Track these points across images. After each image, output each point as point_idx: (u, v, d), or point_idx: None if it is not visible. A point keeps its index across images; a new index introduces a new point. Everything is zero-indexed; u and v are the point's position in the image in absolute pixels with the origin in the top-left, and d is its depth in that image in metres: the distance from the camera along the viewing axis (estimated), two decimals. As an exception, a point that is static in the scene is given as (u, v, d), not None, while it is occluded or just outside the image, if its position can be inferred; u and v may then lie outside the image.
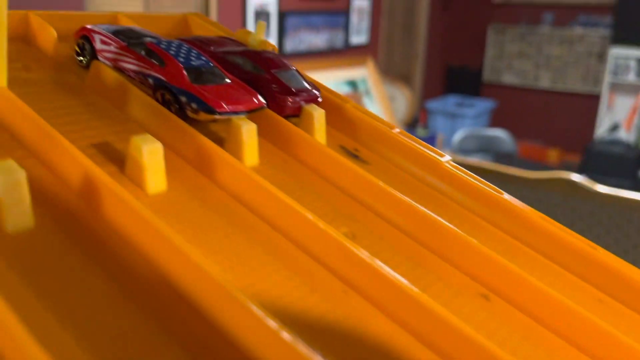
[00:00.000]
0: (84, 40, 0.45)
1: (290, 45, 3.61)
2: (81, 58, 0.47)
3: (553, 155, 5.25)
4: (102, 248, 0.30)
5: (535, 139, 5.39)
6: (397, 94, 4.31)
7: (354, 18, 4.19)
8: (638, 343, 0.33)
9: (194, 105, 0.40)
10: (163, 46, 0.42)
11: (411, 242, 0.39)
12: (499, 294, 0.38)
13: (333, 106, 0.51)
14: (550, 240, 0.43)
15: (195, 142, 0.38)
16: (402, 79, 5.06)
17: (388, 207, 0.40)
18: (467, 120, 4.26)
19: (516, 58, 5.38)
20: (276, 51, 0.53)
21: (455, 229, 0.39)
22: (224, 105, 0.40)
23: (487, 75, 5.54)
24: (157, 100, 0.41)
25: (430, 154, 0.48)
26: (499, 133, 3.35)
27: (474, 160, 2.76)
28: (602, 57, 4.93)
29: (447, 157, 0.47)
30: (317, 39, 3.86)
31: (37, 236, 0.29)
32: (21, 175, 0.29)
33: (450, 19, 5.57)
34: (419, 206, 0.40)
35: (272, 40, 3.48)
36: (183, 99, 0.40)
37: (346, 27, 4.12)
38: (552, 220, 0.44)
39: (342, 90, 3.88)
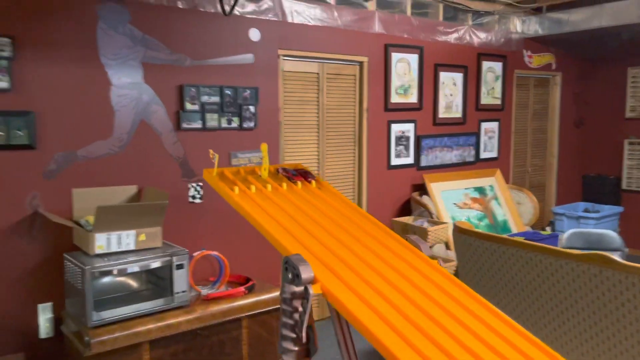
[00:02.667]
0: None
1: (425, 160, 4.61)
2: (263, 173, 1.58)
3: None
4: None
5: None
6: (524, 199, 4.98)
7: (484, 138, 5.08)
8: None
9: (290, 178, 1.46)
10: (289, 170, 1.50)
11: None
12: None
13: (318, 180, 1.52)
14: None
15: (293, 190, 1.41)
16: (537, 187, 5.69)
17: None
18: (591, 222, 4.72)
19: (654, 168, 5.67)
20: (307, 169, 1.58)
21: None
22: (296, 179, 1.44)
23: (626, 183, 5.87)
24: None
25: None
26: (606, 231, 3.82)
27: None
28: None
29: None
30: (449, 155, 4.81)
31: None
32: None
33: (584, 134, 6.12)
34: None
35: (411, 157, 4.52)
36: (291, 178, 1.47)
37: (476, 145, 5.01)
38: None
39: (472, 194, 4.71)
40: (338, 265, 0.83)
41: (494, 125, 5.17)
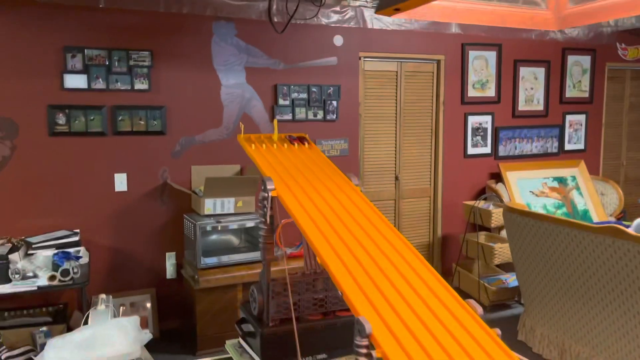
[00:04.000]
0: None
1: (503, 151, 4.92)
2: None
3: None
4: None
5: None
6: (608, 190, 5.05)
7: (569, 130, 5.23)
8: None
9: (291, 142, 2.04)
10: (292, 137, 2.07)
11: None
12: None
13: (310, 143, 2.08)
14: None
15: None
16: (635, 180, 5.65)
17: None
18: (679, 215, 4.68)
19: None
20: (305, 136, 2.12)
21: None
22: (295, 142, 2.02)
23: None
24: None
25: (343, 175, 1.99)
26: (677, 220, 3.87)
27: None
28: None
29: (356, 182, 1.95)
30: (529, 146, 5.05)
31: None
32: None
33: (693, 126, 5.88)
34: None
35: (488, 147, 4.87)
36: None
37: (560, 137, 5.18)
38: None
39: (550, 183, 4.92)
40: (293, 184, 1.45)
41: (581, 118, 5.29)
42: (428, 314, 1.07)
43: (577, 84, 5.22)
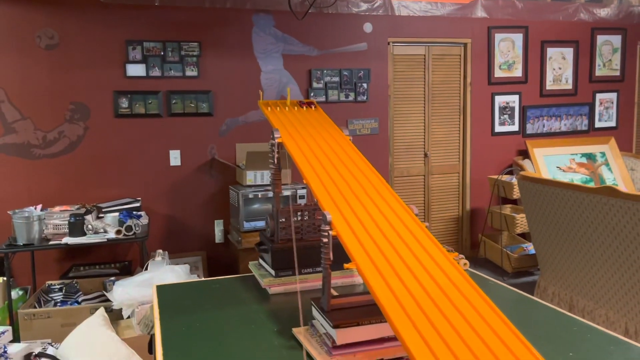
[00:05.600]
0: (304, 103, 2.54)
1: (531, 129, 5.14)
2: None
3: None
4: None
5: None
6: (638, 165, 5.16)
7: (599, 108, 5.36)
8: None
9: (301, 105, 2.44)
10: (302, 101, 2.47)
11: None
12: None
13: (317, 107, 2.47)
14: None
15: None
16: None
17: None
18: None
19: None
20: (313, 101, 2.51)
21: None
22: (303, 105, 2.42)
23: None
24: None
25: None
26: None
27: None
28: None
29: (347, 133, 2.32)
30: (558, 124, 5.24)
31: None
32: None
33: None
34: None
35: (516, 125, 5.10)
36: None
37: (590, 115, 5.33)
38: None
39: (578, 159, 5.10)
40: (295, 134, 1.87)
41: (612, 96, 5.40)
42: (380, 217, 1.46)
43: (608, 63, 5.35)
